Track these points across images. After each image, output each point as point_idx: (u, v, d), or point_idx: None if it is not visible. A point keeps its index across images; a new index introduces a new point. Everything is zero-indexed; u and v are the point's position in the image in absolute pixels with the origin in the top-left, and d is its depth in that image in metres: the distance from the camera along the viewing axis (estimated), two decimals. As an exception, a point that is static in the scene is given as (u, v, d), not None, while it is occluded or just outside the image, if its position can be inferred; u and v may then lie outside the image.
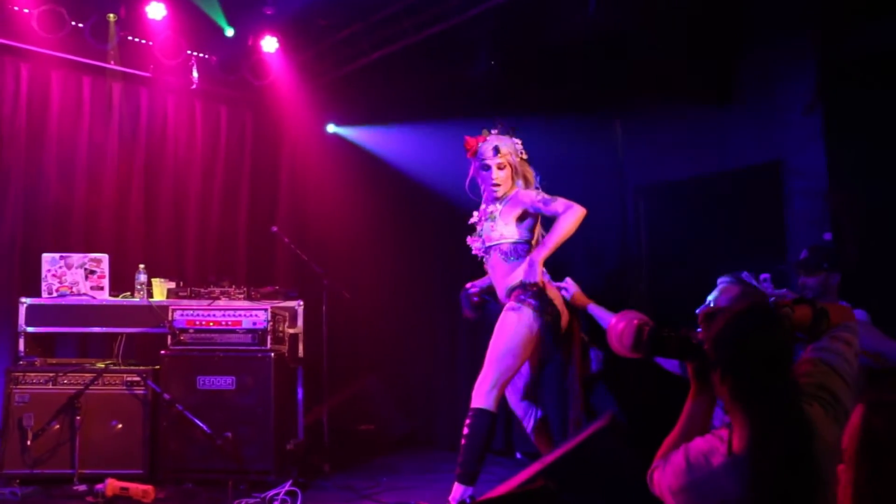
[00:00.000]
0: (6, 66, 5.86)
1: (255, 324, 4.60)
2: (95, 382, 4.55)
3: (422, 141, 6.49)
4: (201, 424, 4.36)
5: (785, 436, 1.70)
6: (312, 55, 6.61)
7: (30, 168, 5.92)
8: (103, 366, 4.69)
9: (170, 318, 4.64)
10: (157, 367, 4.63)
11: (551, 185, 5.45)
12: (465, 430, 3.67)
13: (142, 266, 5.16)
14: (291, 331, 5.03)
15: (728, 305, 2.59)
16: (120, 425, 4.57)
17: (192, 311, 4.67)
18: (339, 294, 5.44)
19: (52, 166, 6.03)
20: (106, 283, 5.02)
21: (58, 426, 4.50)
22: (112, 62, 6.09)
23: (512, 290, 3.79)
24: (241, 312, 4.66)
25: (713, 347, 1.80)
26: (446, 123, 5.89)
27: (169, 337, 4.65)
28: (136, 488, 4.18)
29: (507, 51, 5.72)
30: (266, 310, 4.64)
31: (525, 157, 4.00)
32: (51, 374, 4.59)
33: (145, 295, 5.03)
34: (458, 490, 3.64)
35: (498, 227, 3.88)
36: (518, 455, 5.60)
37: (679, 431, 1.92)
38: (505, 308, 3.80)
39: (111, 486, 4.15)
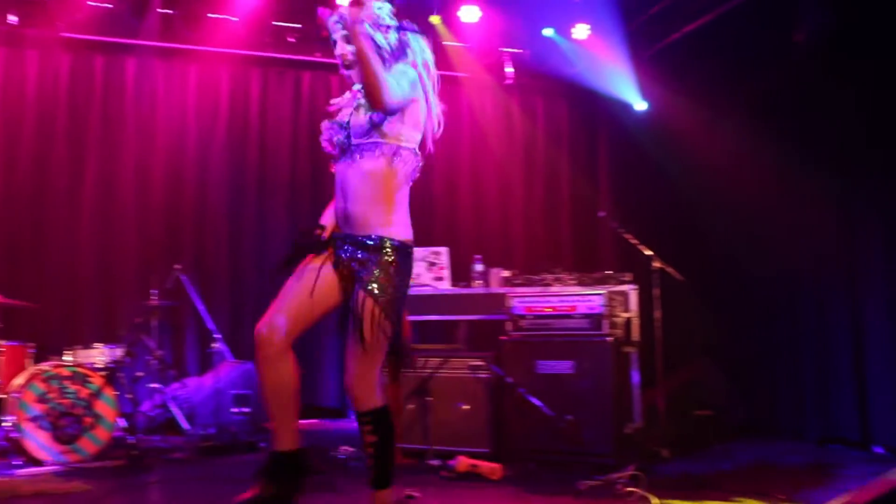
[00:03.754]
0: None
1: (590, 308, 4.64)
2: (442, 366, 4.86)
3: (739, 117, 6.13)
4: (543, 407, 4.48)
5: None
6: (622, 37, 6.53)
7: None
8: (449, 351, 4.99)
9: (508, 306, 4.82)
10: (498, 352, 4.83)
11: None
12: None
13: (478, 257, 5.44)
14: (625, 314, 5.01)
15: None
16: (466, 406, 4.83)
17: (529, 298, 4.81)
18: (671, 276, 5.35)
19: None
20: (446, 273, 5.38)
21: (412, 406, 4.87)
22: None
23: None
24: (576, 298, 4.72)
25: None
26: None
27: (509, 323, 4.83)
28: (485, 466, 4.36)
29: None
30: (602, 294, 4.66)
31: (394, 23, 2.80)
32: (404, 359, 4.97)
33: (483, 284, 5.30)
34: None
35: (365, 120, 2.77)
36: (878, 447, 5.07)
37: None
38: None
39: (462, 462, 4.37)
